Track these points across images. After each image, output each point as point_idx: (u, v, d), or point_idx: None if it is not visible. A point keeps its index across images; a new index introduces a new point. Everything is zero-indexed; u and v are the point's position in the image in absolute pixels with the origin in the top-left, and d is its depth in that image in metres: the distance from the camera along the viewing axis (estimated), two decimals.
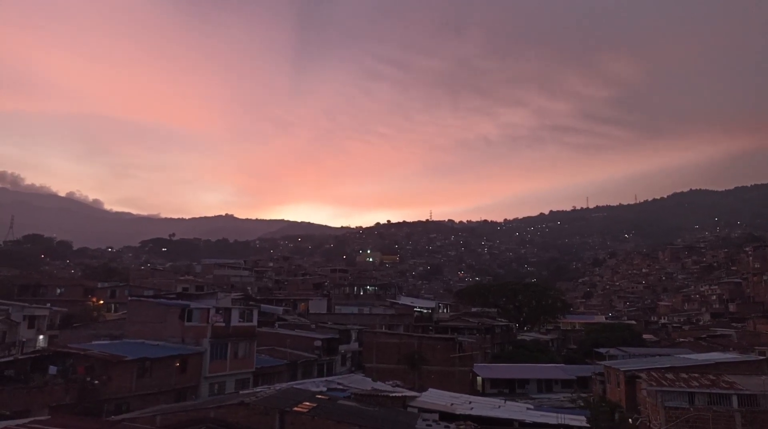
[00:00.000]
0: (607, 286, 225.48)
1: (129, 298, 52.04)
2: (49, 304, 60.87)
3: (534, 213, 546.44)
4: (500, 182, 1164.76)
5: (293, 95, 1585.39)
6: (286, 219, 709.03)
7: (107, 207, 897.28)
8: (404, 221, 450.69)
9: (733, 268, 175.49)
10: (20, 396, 28.85)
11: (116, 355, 33.07)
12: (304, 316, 70.18)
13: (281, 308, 71.47)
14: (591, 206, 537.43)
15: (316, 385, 34.40)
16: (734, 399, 30.33)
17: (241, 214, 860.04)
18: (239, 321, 41.84)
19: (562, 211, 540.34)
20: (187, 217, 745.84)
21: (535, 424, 30.33)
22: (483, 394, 51.88)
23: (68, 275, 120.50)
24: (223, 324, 40.31)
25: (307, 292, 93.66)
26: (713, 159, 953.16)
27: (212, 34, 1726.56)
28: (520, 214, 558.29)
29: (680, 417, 30.47)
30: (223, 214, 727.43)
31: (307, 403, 24.44)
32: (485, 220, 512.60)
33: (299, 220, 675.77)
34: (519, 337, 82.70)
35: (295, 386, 33.00)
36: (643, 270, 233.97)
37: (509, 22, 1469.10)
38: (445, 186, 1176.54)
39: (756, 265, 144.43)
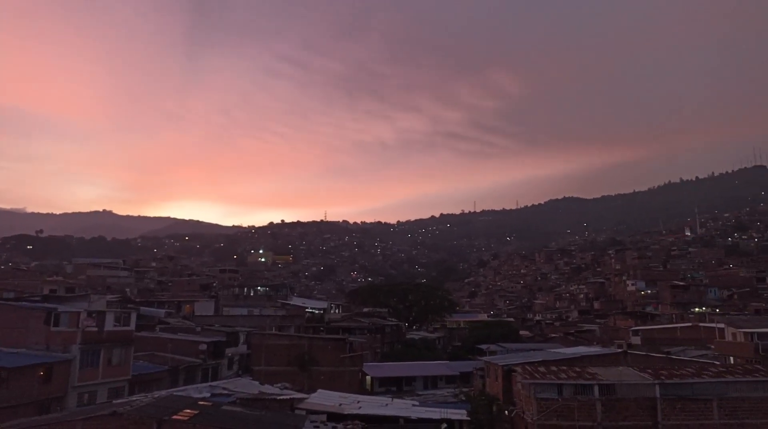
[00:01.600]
0: (490, 286, 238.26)
1: None
2: None
3: (426, 215, 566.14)
4: (395, 185, 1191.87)
5: (184, 88, 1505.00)
6: (172, 216, 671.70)
7: None
8: (298, 221, 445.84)
9: (598, 269, 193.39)
10: None
11: None
12: (189, 319, 66.92)
13: (164, 311, 67.58)
14: (478, 210, 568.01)
15: (199, 391, 32.89)
16: (596, 388, 33.36)
17: (121, 211, 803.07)
18: (115, 325, 38.91)
19: (452, 214, 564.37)
20: (57, 212, 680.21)
21: (419, 419, 31.39)
22: (372, 393, 52.65)
23: None
24: (96, 329, 37.26)
25: (193, 294, 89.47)
26: (584, 170, 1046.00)
27: (94, 15, 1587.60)
28: (413, 217, 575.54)
29: (550, 407, 32.97)
30: (101, 209, 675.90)
31: (188, 411, 23.30)
32: (379, 222, 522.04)
33: (187, 218, 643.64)
34: (408, 336, 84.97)
35: (175, 393, 31.33)
36: (522, 271, 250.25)
37: (407, 30, 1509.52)
38: (341, 187, 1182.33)
39: (617, 267, 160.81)
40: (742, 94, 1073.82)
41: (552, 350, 55.32)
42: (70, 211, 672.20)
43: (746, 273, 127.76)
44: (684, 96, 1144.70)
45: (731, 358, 49.30)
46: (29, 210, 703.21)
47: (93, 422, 21.31)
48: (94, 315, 37.80)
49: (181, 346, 48.22)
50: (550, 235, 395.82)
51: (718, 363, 45.81)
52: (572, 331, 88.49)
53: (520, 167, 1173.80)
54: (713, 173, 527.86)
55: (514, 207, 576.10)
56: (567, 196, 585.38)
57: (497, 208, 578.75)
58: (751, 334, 49.48)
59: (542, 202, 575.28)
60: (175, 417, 21.86)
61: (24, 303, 41.12)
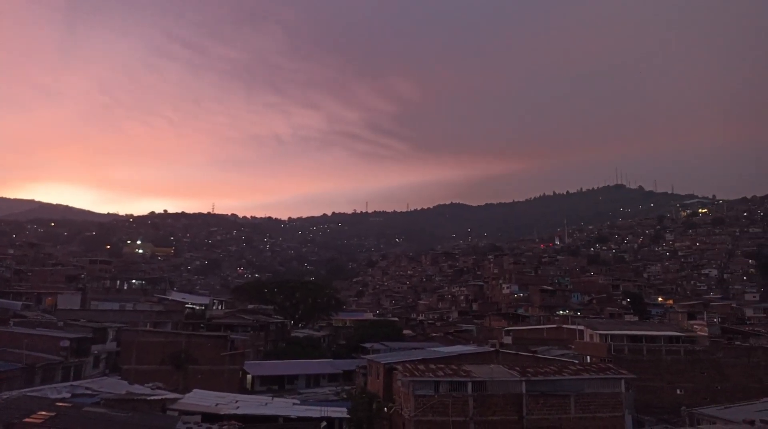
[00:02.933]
0: (378, 286, 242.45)
1: None
2: None
3: (318, 213, 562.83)
4: (288, 181, 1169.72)
5: (61, 60, 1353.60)
6: (37, 200, 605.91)
7: None
8: (183, 212, 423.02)
9: (478, 272, 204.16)
10: None
11: None
12: (50, 313, 61.04)
13: (20, 303, 61.12)
14: (370, 211, 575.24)
15: (57, 391, 30.07)
16: (469, 385, 35.25)
17: None
18: None
19: (344, 213, 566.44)
20: None
21: (299, 418, 31.15)
22: (252, 392, 51.39)
23: None
24: None
25: (56, 285, 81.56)
26: (470, 177, 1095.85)
27: None
28: (305, 214, 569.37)
29: (427, 404, 34.29)
30: None
31: (44, 413, 21.19)
32: (270, 217, 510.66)
33: (55, 203, 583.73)
34: (293, 334, 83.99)
35: (29, 394, 28.37)
36: (409, 272, 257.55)
37: (312, 26, 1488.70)
38: (232, 179, 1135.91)
39: (495, 271, 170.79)
40: (607, 120, 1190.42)
41: (432, 349, 57.54)
42: None
43: (604, 280, 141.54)
44: (564, 116, 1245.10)
45: (588, 357, 54.50)
46: None
47: None
48: None
49: (39, 342, 43.82)
50: (437, 238, 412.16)
51: (576, 362, 50.48)
52: (452, 331, 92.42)
53: (412, 171, 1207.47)
54: (581, 189, 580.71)
55: (404, 209, 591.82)
56: (454, 201, 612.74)
57: (388, 209, 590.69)
58: (606, 335, 55.12)
59: (431, 206, 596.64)
60: (27, 419, 19.78)
61: None
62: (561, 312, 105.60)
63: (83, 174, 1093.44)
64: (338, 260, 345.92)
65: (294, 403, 36.56)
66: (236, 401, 34.11)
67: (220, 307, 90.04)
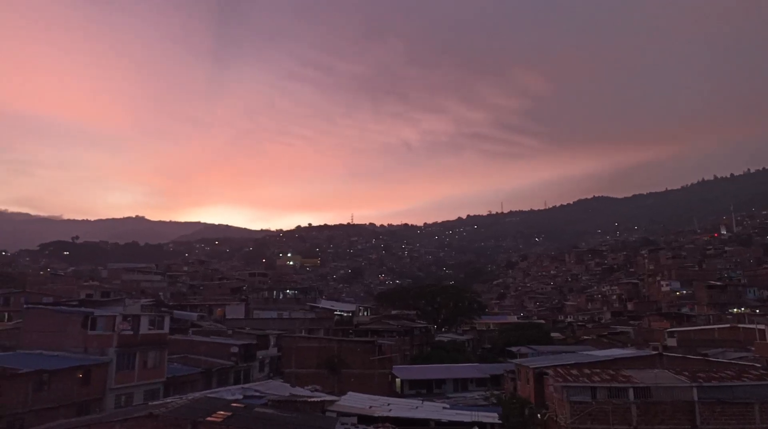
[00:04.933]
0: (519, 288, 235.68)
1: (25, 306, 47.97)
2: None
3: (452, 217, 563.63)
4: (420, 187, 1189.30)
5: (210, 94, 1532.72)
6: (202, 221, 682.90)
7: (1, 207, 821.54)
8: (325, 224, 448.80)
9: (631, 269, 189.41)
10: None
11: (8, 368, 30.39)
12: (220, 322, 67.96)
13: (196, 314, 68.79)
14: (505, 211, 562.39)
15: (231, 393, 33.32)
16: (630, 391, 32.63)
17: (153, 216, 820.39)
18: (149, 328, 39.80)
19: (479, 215, 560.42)
20: (92, 218, 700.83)
21: (450, 422, 31.15)
22: (402, 395, 52.50)
23: None
24: (131, 332, 38.20)
25: (224, 298, 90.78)
26: (613, 169, 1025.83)
27: (122, 26, 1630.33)
28: (439, 218, 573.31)
29: (583, 411, 32.39)
30: (134, 215, 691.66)
31: (222, 413, 23.63)
32: (406, 224, 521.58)
33: (217, 223, 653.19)
34: (437, 339, 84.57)
35: (209, 395, 31.80)
36: (552, 272, 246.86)
37: (428, 32, 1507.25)
38: (367, 190, 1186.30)
39: (650, 267, 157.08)
40: None
41: (585, 352, 54.27)
42: (104, 218, 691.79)
43: None
44: (717, 91, 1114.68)
45: None
46: (65, 217, 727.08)
47: (130, 423, 21.79)
48: (129, 319, 38.74)
49: (214, 348, 48.98)
50: (580, 235, 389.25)
51: (759, 365, 44.34)
52: (605, 333, 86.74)
53: (547, 167, 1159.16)
54: (749, 170, 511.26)
55: (542, 207, 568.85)
56: (597, 195, 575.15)
57: (525, 208, 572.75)
58: None
59: (571, 202, 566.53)
60: (209, 419, 22.19)
61: (62, 308, 42.37)
62: (734, 310, 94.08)
63: (237, 195, 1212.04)
64: (476, 263, 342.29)
65: (444, 407, 36.66)
66: (388, 404, 35.08)
67: (365, 314, 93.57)
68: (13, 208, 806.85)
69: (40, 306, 44.37)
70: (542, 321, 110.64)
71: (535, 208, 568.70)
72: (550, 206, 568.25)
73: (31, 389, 30.74)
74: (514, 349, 66.05)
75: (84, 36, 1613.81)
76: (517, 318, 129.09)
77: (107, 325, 37.33)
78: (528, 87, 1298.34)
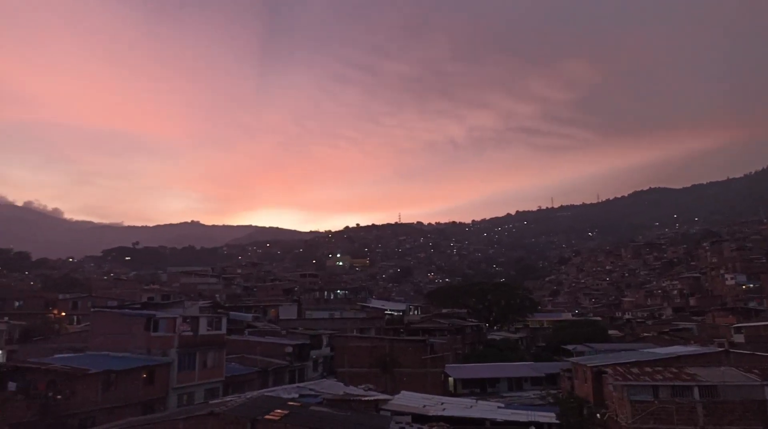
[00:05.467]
0: (573, 284, 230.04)
1: (92, 310, 50.54)
2: (7, 318, 58.63)
3: (501, 213, 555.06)
4: (468, 184, 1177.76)
5: (259, 100, 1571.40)
6: (254, 224, 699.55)
7: (67, 216, 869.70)
8: (373, 224, 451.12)
9: (692, 263, 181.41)
10: None
11: (79, 369, 32.09)
12: (274, 323, 69.40)
13: (251, 315, 70.56)
14: (556, 206, 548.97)
15: (287, 392, 34.02)
16: (695, 390, 31.24)
17: (207, 221, 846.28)
18: (207, 329, 41.11)
19: (528, 211, 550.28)
20: (151, 224, 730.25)
21: (506, 422, 30.78)
22: (455, 394, 52.19)
23: (27, 287, 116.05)
24: (191, 333, 39.57)
25: (277, 298, 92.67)
26: (671, 158, 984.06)
27: (174, 39, 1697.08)
28: (488, 215, 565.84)
29: (645, 410, 31.24)
30: (189, 220, 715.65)
31: (279, 411, 24.16)
32: (453, 222, 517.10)
33: (267, 226, 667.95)
34: (489, 337, 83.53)
35: (266, 394, 32.59)
36: (607, 267, 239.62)
37: (472, 27, 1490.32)
38: (414, 188, 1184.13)
39: (713, 260, 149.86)
40: None
41: (645, 350, 52.37)
42: (162, 223, 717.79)
43: None
44: None
45: None
46: (126, 223, 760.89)
47: (193, 421, 22.61)
48: (188, 320, 40.14)
49: (269, 348, 50.11)
50: (636, 228, 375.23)
51: None
52: (666, 330, 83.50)
53: (599, 159, 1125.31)
54: None
55: (594, 201, 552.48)
56: (653, 186, 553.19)
57: (577, 202, 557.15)
58: None
59: (625, 195, 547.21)
60: (267, 417, 22.74)
61: (126, 310, 44.35)
62: None
63: (286, 198, 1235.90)
64: (527, 259, 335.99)
65: (498, 407, 36.24)
66: (442, 403, 34.98)
67: (416, 313, 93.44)
68: (78, 217, 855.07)
69: (105, 309, 46.64)
70: (598, 318, 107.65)
71: (588, 202, 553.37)
72: (604, 199, 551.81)
73: (101, 389, 32.34)
74: (569, 347, 64.48)
75: (142, 53, 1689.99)
76: (572, 315, 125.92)
77: (168, 327, 38.80)
78: (578, 77, 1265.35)
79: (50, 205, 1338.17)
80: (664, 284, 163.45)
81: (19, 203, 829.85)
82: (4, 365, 37.70)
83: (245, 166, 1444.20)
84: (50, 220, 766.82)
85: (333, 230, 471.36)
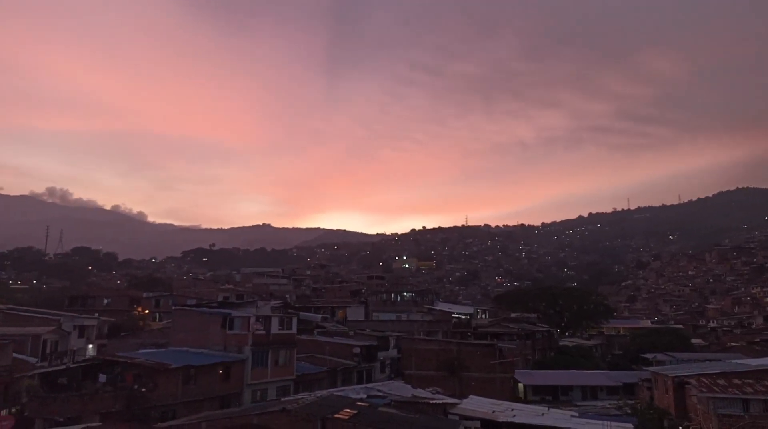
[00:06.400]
0: (652, 290, 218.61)
1: (173, 308, 53.43)
2: (97, 314, 62.97)
3: (573, 216, 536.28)
4: (537, 185, 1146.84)
5: (328, 105, 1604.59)
6: (322, 227, 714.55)
7: (151, 219, 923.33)
8: (440, 227, 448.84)
9: None
10: (72, 403, 29.93)
11: (162, 363, 33.93)
12: (342, 324, 70.47)
13: (319, 315, 71.99)
14: (632, 208, 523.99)
15: (356, 392, 34.43)
16: None
17: (277, 224, 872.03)
18: (279, 329, 42.35)
19: (603, 213, 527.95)
20: (226, 227, 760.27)
21: None
22: (525, 401, 50.89)
23: (115, 286, 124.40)
24: (264, 332, 40.89)
25: (344, 300, 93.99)
26: (760, 156, 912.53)
27: (246, 50, 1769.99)
28: (558, 218, 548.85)
29: (734, 425, 29.24)
30: (261, 223, 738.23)
31: (348, 410, 24.50)
32: (522, 224, 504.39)
33: (335, 228, 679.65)
34: (561, 343, 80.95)
35: (335, 393, 33.12)
36: (690, 272, 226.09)
37: (542, 23, 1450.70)
38: (481, 191, 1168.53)
39: None
40: None
41: (733, 361, 48.92)
42: (236, 226, 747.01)
43: None
44: None
45: None
46: (203, 226, 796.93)
47: (266, 417, 23.36)
48: (261, 319, 41.53)
49: (337, 349, 50.93)
50: (722, 231, 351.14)
51: None
52: (758, 340, 77.72)
53: (680, 158, 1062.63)
54: None
55: (675, 202, 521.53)
56: (741, 186, 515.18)
57: (655, 204, 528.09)
58: None
59: (710, 196, 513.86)
60: (336, 416, 23.12)
61: (204, 309, 46.47)
62: None
63: (353, 201, 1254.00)
64: (601, 264, 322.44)
65: (572, 416, 34.95)
66: (512, 409, 34.18)
67: (483, 316, 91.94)
68: (160, 220, 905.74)
69: (186, 307, 49.08)
70: (680, 326, 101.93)
71: (667, 203, 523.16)
72: (686, 201, 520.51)
73: (181, 383, 34.05)
74: (649, 356, 61.36)
75: (217, 65, 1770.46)
76: (651, 322, 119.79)
77: (243, 325, 40.32)
78: (657, 72, 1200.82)
79: (135, 209, 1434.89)
80: (754, 291, 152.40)
81: (108, 207, 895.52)
82: (95, 358, 40.54)
83: (314, 170, 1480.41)
84: (135, 223, 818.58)
85: (399, 233, 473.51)
